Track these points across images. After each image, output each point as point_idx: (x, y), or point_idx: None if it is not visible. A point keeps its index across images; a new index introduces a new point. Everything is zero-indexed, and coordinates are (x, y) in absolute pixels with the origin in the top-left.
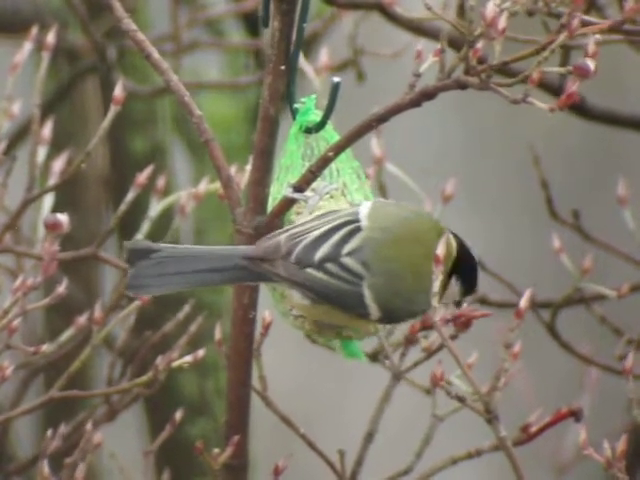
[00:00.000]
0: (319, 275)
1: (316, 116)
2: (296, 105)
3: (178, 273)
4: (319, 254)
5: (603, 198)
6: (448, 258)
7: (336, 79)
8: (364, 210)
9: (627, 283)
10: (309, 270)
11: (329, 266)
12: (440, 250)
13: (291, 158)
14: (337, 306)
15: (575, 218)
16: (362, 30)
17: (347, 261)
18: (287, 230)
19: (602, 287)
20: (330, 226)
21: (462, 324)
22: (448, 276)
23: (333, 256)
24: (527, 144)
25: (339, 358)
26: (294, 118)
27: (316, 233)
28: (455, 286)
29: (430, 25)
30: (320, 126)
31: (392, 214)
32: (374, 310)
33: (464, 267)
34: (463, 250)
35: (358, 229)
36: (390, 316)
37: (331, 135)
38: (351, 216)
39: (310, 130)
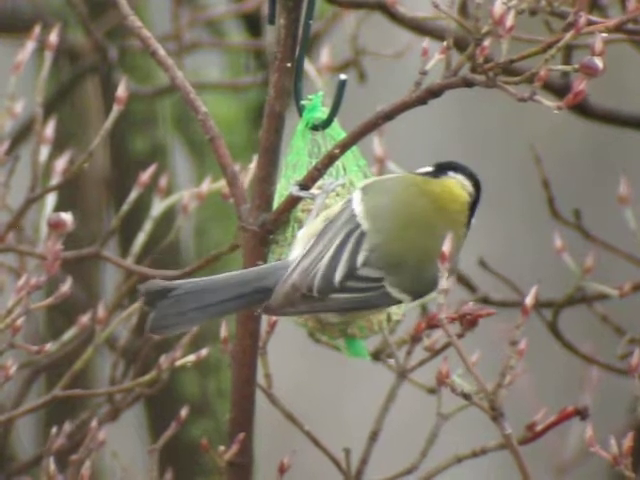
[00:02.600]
0: (343, 296)
1: (323, 113)
2: (302, 102)
3: (197, 308)
4: (337, 277)
5: (604, 197)
6: (465, 205)
7: (342, 76)
8: (357, 208)
9: (629, 282)
10: (333, 296)
11: (350, 284)
12: (446, 247)
13: (297, 155)
14: (366, 310)
15: (576, 217)
16: (363, 30)
17: (364, 272)
18: (296, 266)
19: (604, 286)
20: (337, 244)
21: (469, 322)
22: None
23: (350, 272)
24: (528, 144)
25: (340, 357)
26: (301, 115)
27: (326, 259)
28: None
29: (433, 24)
30: (327, 123)
31: (383, 205)
32: (405, 298)
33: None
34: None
35: (362, 234)
36: (420, 294)
37: (338, 132)
38: (350, 223)
39: (317, 127)
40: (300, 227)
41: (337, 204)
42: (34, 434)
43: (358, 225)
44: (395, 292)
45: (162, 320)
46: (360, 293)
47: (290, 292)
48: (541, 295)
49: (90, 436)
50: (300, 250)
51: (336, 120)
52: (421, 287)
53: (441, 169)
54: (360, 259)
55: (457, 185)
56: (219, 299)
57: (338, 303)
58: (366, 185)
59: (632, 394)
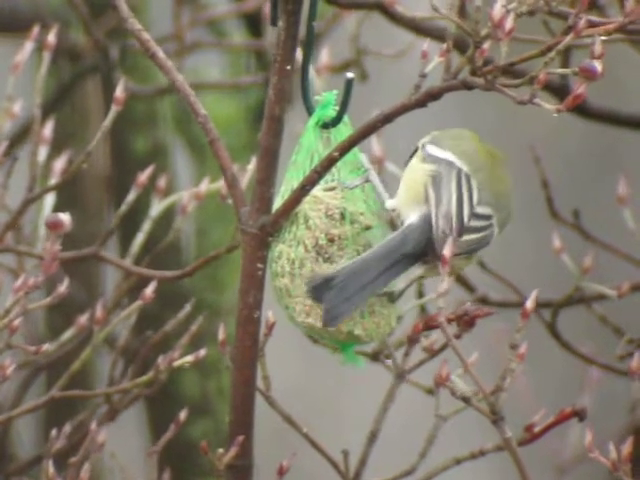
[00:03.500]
0: (470, 237)
1: (334, 111)
2: (316, 98)
3: (358, 290)
4: (466, 217)
5: (603, 197)
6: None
7: (349, 75)
8: (448, 156)
9: (627, 282)
10: (464, 237)
11: (473, 224)
12: (446, 252)
13: (307, 153)
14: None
15: (575, 217)
16: (364, 30)
17: (480, 210)
18: (437, 215)
19: (602, 287)
20: (454, 187)
21: (466, 323)
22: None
23: (470, 212)
24: (527, 144)
25: (338, 359)
26: (310, 114)
27: (454, 202)
28: None
29: (432, 25)
30: (336, 121)
31: (467, 149)
32: (497, 237)
33: None
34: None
35: (467, 175)
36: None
37: (344, 133)
38: (453, 168)
39: (327, 125)
40: (307, 226)
41: (413, 164)
42: (34, 434)
43: (460, 168)
44: (496, 230)
45: (333, 311)
46: (480, 232)
47: (443, 238)
48: (540, 295)
49: (89, 438)
50: (418, 209)
51: (348, 122)
52: (505, 226)
53: None
54: (475, 197)
55: None
56: (373, 276)
57: (467, 244)
58: (433, 139)
59: (631, 395)
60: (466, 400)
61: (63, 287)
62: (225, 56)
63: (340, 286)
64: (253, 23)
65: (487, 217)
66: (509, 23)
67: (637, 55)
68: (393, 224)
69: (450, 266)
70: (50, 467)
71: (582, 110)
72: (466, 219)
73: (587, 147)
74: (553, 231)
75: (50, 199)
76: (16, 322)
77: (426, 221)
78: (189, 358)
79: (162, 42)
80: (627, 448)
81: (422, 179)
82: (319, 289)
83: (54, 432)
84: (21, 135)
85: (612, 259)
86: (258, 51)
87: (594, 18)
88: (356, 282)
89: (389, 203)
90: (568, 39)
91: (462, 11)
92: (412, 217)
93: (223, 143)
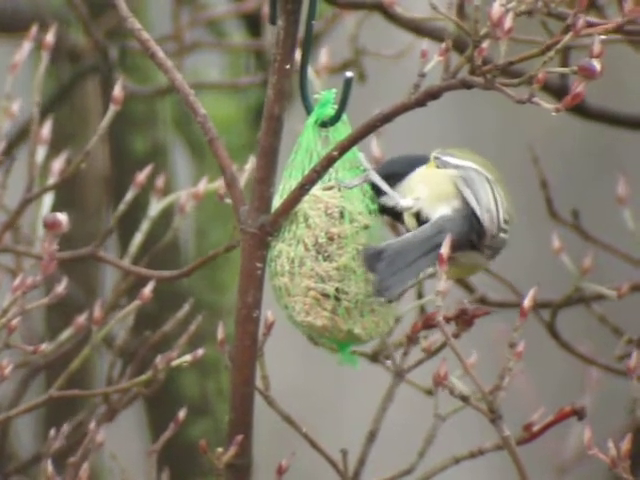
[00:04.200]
0: (501, 236)
1: (333, 110)
2: (315, 96)
3: (404, 267)
4: (501, 218)
5: (602, 197)
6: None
7: (348, 74)
8: (474, 166)
9: (627, 283)
10: (500, 235)
11: (502, 225)
12: (444, 250)
13: (307, 152)
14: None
15: (574, 218)
16: (363, 30)
17: (505, 215)
18: (481, 210)
19: (602, 287)
20: (489, 188)
21: (465, 322)
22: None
23: (502, 215)
24: (526, 144)
25: (337, 358)
26: (309, 113)
27: (492, 201)
28: None
29: (431, 25)
30: (334, 120)
31: (481, 162)
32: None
33: None
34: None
35: (495, 185)
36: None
37: (342, 132)
38: (481, 174)
39: (325, 124)
40: (307, 225)
41: (427, 171)
42: (34, 433)
43: (487, 176)
44: (506, 238)
45: (383, 282)
46: (506, 234)
47: (491, 229)
48: (539, 296)
49: (89, 437)
50: (447, 204)
51: (347, 121)
52: (506, 243)
53: None
54: (503, 203)
55: None
56: (415, 257)
57: (498, 243)
58: (444, 153)
59: (630, 395)
60: (465, 399)
61: (61, 287)
62: (224, 56)
63: (388, 260)
64: (252, 23)
65: (508, 223)
66: (508, 22)
67: (636, 55)
68: (392, 225)
69: (474, 265)
70: (49, 467)
71: (581, 110)
72: (501, 219)
73: (586, 147)
74: (552, 231)
75: (48, 199)
76: (14, 322)
77: (459, 214)
78: (187, 357)
79: (161, 42)
80: (626, 445)
81: (450, 179)
82: (372, 259)
83: (52, 432)
84: (20, 135)
85: (611, 259)
86: (257, 51)
87: (593, 19)
88: (401, 260)
89: (405, 202)
90: (567, 38)
91: (461, 11)
92: (442, 210)
93: (222, 142)
